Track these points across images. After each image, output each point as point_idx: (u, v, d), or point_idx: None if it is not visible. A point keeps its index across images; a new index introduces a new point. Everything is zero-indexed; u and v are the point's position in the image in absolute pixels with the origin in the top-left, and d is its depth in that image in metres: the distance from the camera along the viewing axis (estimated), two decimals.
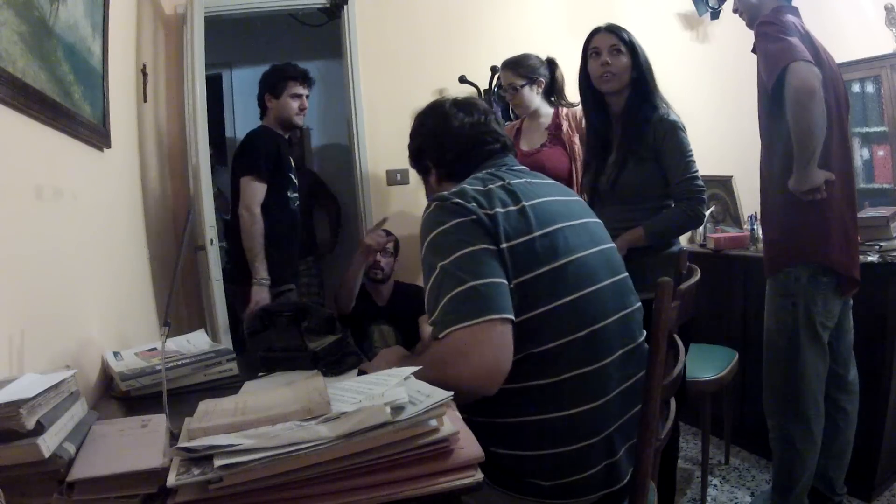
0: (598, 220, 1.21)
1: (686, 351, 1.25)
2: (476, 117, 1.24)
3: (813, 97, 1.51)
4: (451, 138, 1.23)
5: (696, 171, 1.76)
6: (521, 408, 1.02)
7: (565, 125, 2.33)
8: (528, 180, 1.15)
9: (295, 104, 2.44)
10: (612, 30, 1.83)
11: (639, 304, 1.16)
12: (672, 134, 1.74)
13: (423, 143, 1.29)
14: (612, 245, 1.18)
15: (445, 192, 1.07)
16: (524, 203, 1.06)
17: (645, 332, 1.15)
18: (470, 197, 1.04)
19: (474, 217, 1.02)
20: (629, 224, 1.79)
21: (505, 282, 0.99)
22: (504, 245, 1.01)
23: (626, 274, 1.17)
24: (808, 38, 1.63)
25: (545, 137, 2.35)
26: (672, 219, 1.76)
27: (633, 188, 1.79)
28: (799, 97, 1.52)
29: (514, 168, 1.20)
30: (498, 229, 1.01)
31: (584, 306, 1.04)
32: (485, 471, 1.01)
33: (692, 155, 1.77)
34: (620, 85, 1.81)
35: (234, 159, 2.46)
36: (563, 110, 2.36)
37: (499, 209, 1.03)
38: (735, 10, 1.82)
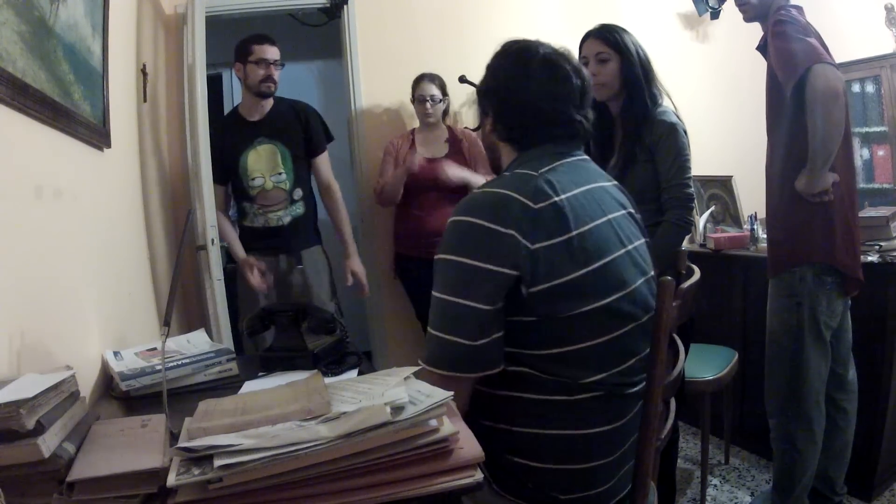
0: (637, 220, 1.15)
1: (686, 351, 1.25)
2: (561, 88, 1.06)
3: (837, 100, 1.51)
4: (521, 102, 1.08)
5: (688, 176, 1.75)
6: (540, 420, 1.01)
7: (465, 143, 2.70)
8: (588, 188, 1.04)
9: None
10: (600, 35, 1.79)
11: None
12: (669, 136, 1.73)
13: (491, 87, 1.11)
14: (642, 244, 1.12)
15: (484, 197, 1.01)
16: (571, 233, 0.97)
17: None
18: (512, 219, 0.95)
19: (511, 235, 0.95)
20: None
21: (495, 308, 0.96)
22: (531, 289, 0.95)
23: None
24: (819, 38, 1.62)
25: (446, 149, 2.69)
26: (668, 239, 1.74)
27: (632, 190, 1.77)
28: (824, 100, 1.51)
29: (573, 157, 1.08)
30: (534, 269, 0.95)
31: (618, 345, 1.01)
32: (493, 477, 1.02)
33: (687, 159, 1.75)
34: (611, 92, 1.80)
35: None
36: (458, 128, 2.83)
37: (542, 243, 0.95)
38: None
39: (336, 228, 2.59)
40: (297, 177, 2.45)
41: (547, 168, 1.03)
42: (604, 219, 1.03)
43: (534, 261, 0.95)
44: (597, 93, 1.81)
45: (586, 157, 1.14)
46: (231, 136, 2.43)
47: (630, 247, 1.05)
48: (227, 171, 2.43)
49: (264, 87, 2.37)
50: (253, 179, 2.42)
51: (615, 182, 1.16)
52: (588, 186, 1.05)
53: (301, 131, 2.45)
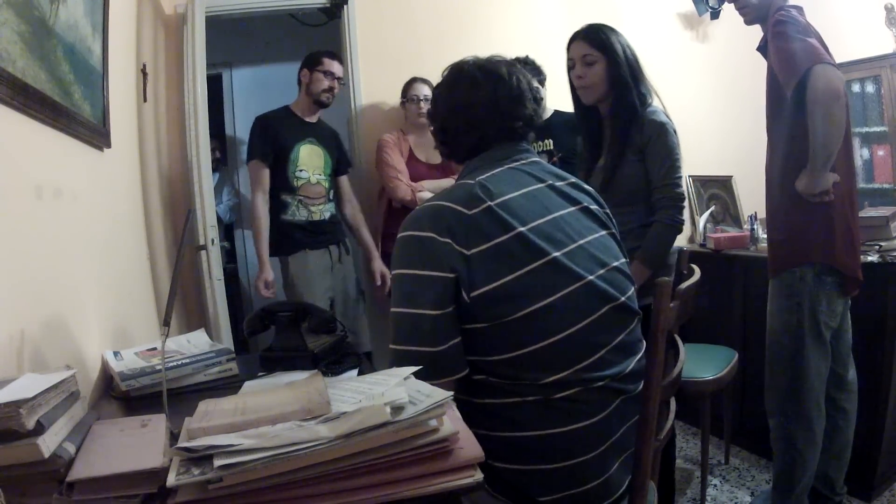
0: (596, 213, 1.14)
1: None
2: (484, 96, 1.11)
3: (837, 100, 1.51)
4: (449, 117, 1.15)
5: (679, 176, 1.75)
6: (514, 423, 1.02)
7: None
8: (528, 189, 1.06)
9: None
10: (586, 36, 1.79)
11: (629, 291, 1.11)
12: (660, 136, 1.73)
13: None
14: (603, 237, 1.12)
15: (422, 210, 1.04)
16: (508, 234, 0.99)
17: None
18: (447, 227, 0.99)
19: (447, 243, 0.99)
20: (621, 227, 1.80)
21: (445, 313, 0.99)
22: (472, 294, 0.98)
23: (619, 262, 1.11)
24: (819, 38, 1.62)
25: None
26: (660, 238, 1.75)
27: (623, 190, 1.78)
28: (825, 100, 1.51)
29: (517, 161, 1.11)
30: (471, 274, 0.97)
31: (570, 344, 1.01)
32: (488, 481, 1.02)
33: (678, 158, 1.76)
34: (598, 94, 1.80)
35: None
36: None
37: (478, 248, 0.98)
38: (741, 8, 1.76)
39: (360, 233, 2.77)
40: (330, 183, 2.66)
41: (486, 175, 1.06)
42: (548, 217, 1.04)
43: (470, 265, 0.97)
44: (584, 95, 1.83)
45: (535, 158, 1.15)
46: (288, 126, 2.56)
47: (582, 241, 1.06)
48: (277, 157, 2.52)
49: (324, 97, 2.56)
50: (301, 171, 2.54)
51: (572, 180, 1.17)
52: (529, 188, 1.07)
53: (336, 150, 2.69)
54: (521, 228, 0.99)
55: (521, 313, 0.97)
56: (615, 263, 1.09)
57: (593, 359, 1.01)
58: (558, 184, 1.12)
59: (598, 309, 1.03)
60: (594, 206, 1.15)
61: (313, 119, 2.62)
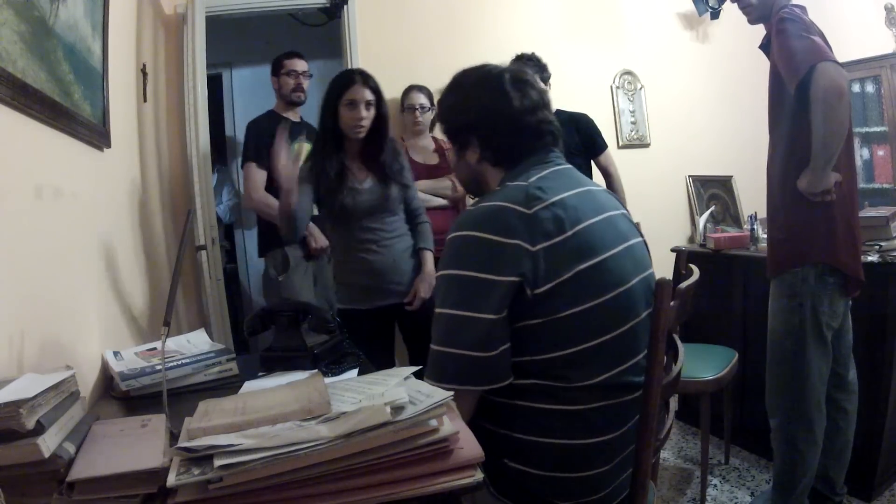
0: (630, 220, 1.16)
1: None
2: (532, 100, 1.11)
3: (842, 98, 1.51)
4: (507, 123, 1.10)
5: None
6: (542, 428, 1.02)
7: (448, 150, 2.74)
8: (579, 190, 1.06)
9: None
10: (369, 84, 1.97)
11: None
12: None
13: (472, 119, 1.14)
14: (640, 242, 1.13)
15: (480, 210, 1.03)
16: (567, 233, 0.98)
17: None
18: (511, 227, 0.97)
19: (514, 244, 0.97)
20: (399, 235, 2.04)
21: (501, 317, 0.97)
22: (536, 291, 0.97)
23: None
24: (823, 37, 1.62)
25: (437, 157, 2.75)
26: (430, 233, 2.12)
27: (396, 208, 2.04)
28: (828, 98, 1.51)
29: (559, 165, 1.12)
30: (536, 272, 0.96)
31: (614, 345, 1.01)
32: (492, 480, 1.02)
33: None
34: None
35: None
36: (441, 138, 2.78)
37: (542, 244, 0.97)
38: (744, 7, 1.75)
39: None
40: None
41: (536, 177, 1.06)
42: (601, 217, 1.05)
43: (536, 263, 0.96)
44: (360, 132, 1.95)
45: (567, 165, 1.16)
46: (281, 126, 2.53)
47: (627, 244, 1.07)
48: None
49: (294, 97, 2.59)
50: None
51: (602, 186, 1.20)
52: (579, 189, 1.07)
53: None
54: (578, 227, 1.00)
55: (575, 310, 0.97)
56: (650, 270, 1.12)
57: (632, 362, 1.03)
58: (596, 189, 1.14)
59: (640, 313, 1.04)
60: (626, 213, 1.17)
61: (297, 118, 2.64)
